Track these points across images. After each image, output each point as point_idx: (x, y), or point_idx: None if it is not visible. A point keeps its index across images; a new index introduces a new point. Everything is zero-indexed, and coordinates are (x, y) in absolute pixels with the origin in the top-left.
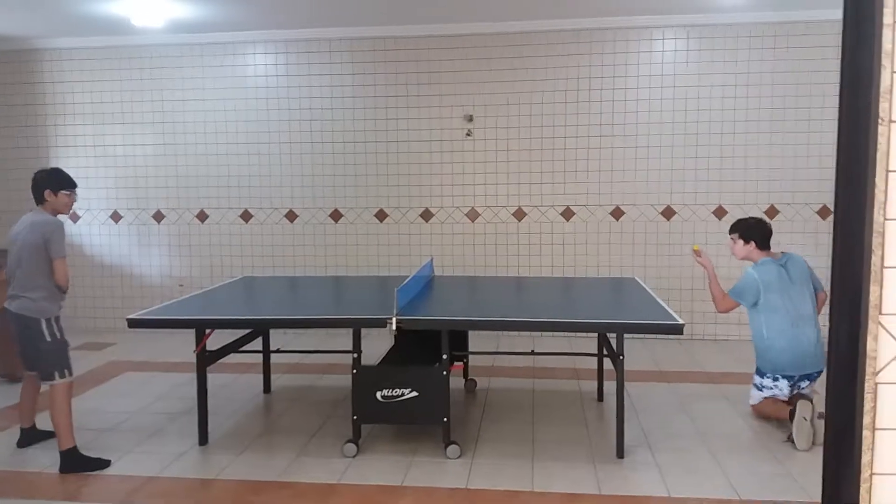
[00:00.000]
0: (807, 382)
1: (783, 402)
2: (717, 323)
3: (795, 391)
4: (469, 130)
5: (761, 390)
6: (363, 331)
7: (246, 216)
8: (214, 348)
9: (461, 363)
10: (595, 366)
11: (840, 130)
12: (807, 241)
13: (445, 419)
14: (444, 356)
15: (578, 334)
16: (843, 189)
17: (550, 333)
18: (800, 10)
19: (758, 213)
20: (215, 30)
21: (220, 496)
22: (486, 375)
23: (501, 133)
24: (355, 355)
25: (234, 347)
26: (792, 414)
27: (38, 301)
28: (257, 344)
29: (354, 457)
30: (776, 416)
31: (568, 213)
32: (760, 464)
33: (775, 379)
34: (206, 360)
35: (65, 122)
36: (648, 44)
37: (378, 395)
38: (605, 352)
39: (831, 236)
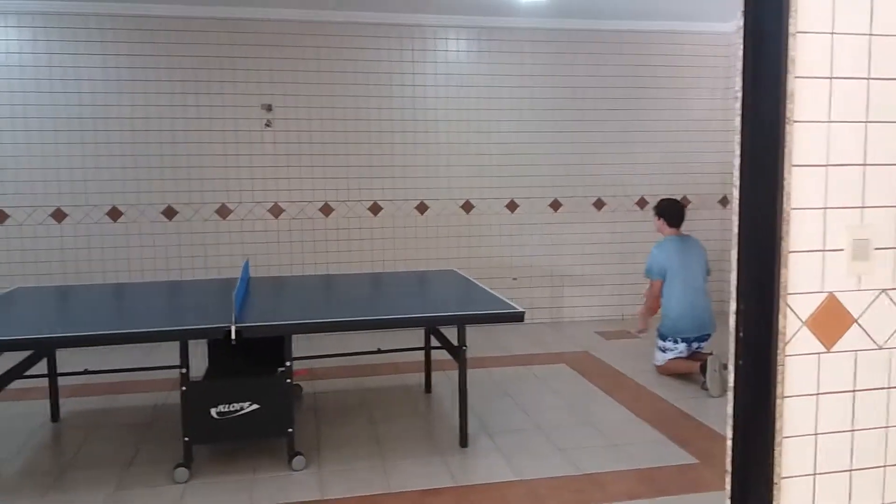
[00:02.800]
0: (699, 344)
1: (685, 359)
2: None
3: (693, 350)
4: (268, 121)
5: (665, 352)
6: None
7: (0, 216)
8: None
9: (306, 369)
10: (415, 358)
11: (745, 130)
12: (584, 230)
13: (290, 430)
14: (288, 363)
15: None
16: (751, 182)
17: (363, 331)
18: (584, 19)
19: (544, 206)
20: None
21: None
22: (307, 379)
23: (303, 125)
24: (183, 370)
25: (16, 373)
26: (703, 367)
27: None
28: (40, 366)
29: (187, 482)
30: (686, 371)
31: (375, 209)
32: (589, 439)
33: (675, 341)
34: None
35: None
36: (444, 42)
37: (213, 411)
38: (432, 344)
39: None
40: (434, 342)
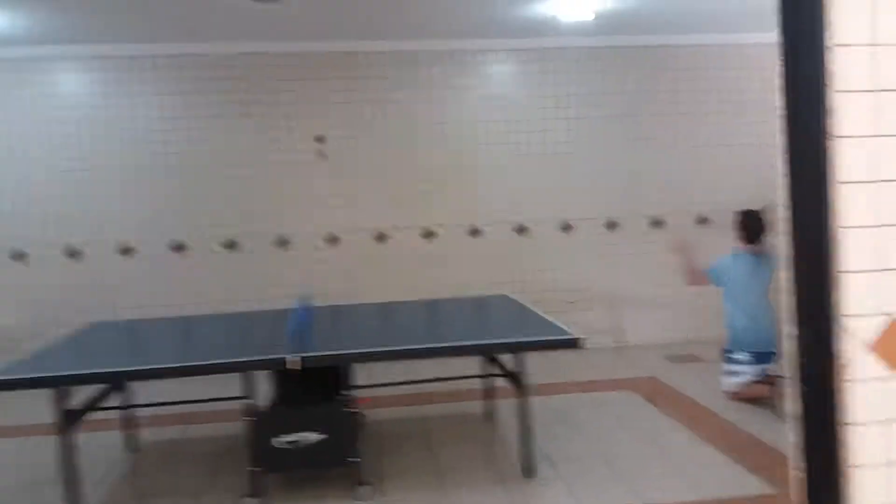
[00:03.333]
0: (767, 364)
1: (757, 383)
2: None
3: (763, 373)
4: (321, 151)
5: (734, 376)
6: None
7: (73, 253)
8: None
9: (368, 397)
10: (475, 385)
11: (789, 147)
12: (642, 251)
13: (355, 459)
14: (349, 392)
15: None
16: (800, 201)
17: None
18: (634, 35)
19: (599, 226)
20: (15, 43)
21: None
22: (367, 408)
23: (356, 154)
24: (250, 401)
25: (97, 402)
26: (775, 390)
27: None
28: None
29: None
30: (759, 395)
31: (428, 234)
32: (657, 468)
33: (740, 361)
34: (68, 421)
35: None
36: (492, 66)
37: (278, 441)
38: (491, 371)
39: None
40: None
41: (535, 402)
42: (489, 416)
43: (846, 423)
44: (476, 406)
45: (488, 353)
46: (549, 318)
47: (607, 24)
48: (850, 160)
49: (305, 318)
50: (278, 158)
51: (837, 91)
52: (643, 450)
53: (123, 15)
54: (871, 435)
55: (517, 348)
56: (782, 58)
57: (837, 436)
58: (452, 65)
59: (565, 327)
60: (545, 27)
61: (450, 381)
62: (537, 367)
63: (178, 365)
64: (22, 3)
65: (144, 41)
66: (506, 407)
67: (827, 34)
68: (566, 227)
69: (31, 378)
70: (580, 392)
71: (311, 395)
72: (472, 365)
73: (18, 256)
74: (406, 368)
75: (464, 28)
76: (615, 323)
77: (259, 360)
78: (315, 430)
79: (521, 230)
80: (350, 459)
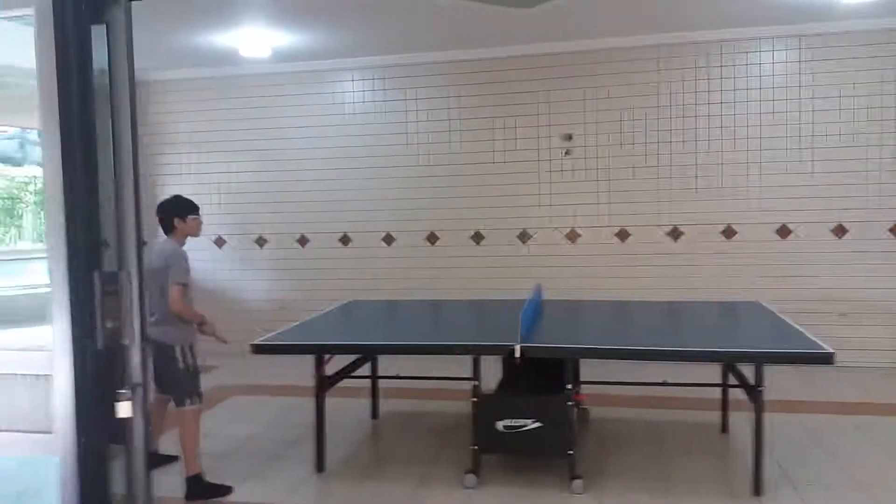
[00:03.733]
0: None
1: None
2: (838, 349)
3: None
4: (568, 150)
5: None
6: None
7: (345, 240)
8: (328, 373)
9: (586, 393)
10: (711, 395)
11: None
12: None
13: (570, 451)
14: (570, 385)
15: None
16: None
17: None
18: None
19: (881, 230)
20: (313, 58)
21: None
22: (595, 405)
23: (602, 151)
24: (476, 383)
25: (346, 372)
26: None
27: (172, 328)
28: (365, 368)
29: (475, 488)
30: None
31: (675, 233)
32: None
33: None
34: (324, 385)
35: (169, 151)
36: (757, 55)
37: (499, 424)
38: (730, 381)
39: None
40: (733, 380)
41: (786, 419)
42: (725, 428)
43: None
44: (712, 416)
45: (720, 361)
46: (802, 329)
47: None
48: None
49: (536, 311)
50: (523, 157)
51: None
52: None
53: (394, 27)
54: None
55: (754, 358)
56: None
57: None
58: (713, 56)
59: (817, 340)
60: (820, 11)
61: (685, 388)
62: (792, 383)
63: (414, 343)
64: (314, 22)
65: (414, 50)
66: (746, 421)
67: None
68: (839, 231)
69: (294, 344)
70: (841, 414)
71: (535, 385)
72: (711, 373)
73: (302, 241)
74: (644, 371)
75: (731, 16)
76: (891, 340)
77: (485, 345)
78: (534, 418)
79: (783, 232)
80: (566, 451)
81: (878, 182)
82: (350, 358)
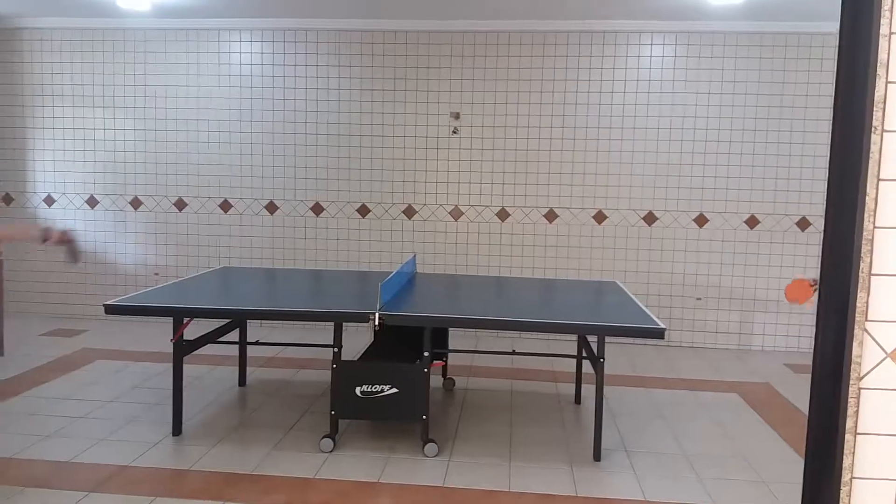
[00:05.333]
0: None
1: None
2: (694, 331)
3: None
4: (456, 128)
5: None
6: (343, 326)
7: (225, 206)
8: (191, 338)
9: (442, 361)
10: (573, 368)
11: (833, 139)
12: (785, 252)
13: (424, 417)
14: (426, 353)
15: (558, 336)
16: (835, 196)
17: (529, 335)
18: (785, 21)
19: (738, 222)
20: (201, 15)
21: (194, 487)
22: (464, 375)
23: (488, 132)
24: (336, 350)
25: (210, 338)
26: None
27: None
28: (233, 335)
29: (331, 452)
30: None
31: (551, 216)
32: (735, 472)
33: None
34: (182, 349)
35: (42, 104)
36: (637, 48)
37: (357, 390)
38: (584, 354)
39: (819, 246)
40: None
41: (635, 393)
42: (578, 400)
43: (856, 433)
44: (569, 388)
45: (564, 332)
46: (645, 308)
47: (755, 8)
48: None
49: (405, 281)
50: (413, 132)
51: (890, 82)
52: (728, 453)
53: None
54: (879, 446)
55: (595, 331)
56: (839, 45)
57: (841, 444)
58: (595, 46)
59: (654, 317)
60: (693, 10)
61: (547, 361)
62: (647, 361)
63: (277, 308)
64: None
65: (305, 16)
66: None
67: (884, 22)
68: (700, 220)
69: (149, 306)
70: (686, 389)
71: (397, 353)
72: (572, 347)
73: (179, 204)
74: (518, 345)
75: (611, 8)
76: (742, 325)
77: (344, 313)
78: (390, 384)
79: (650, 218)
80: (420, 416)
81: (737, 176)
82: (216, 324)
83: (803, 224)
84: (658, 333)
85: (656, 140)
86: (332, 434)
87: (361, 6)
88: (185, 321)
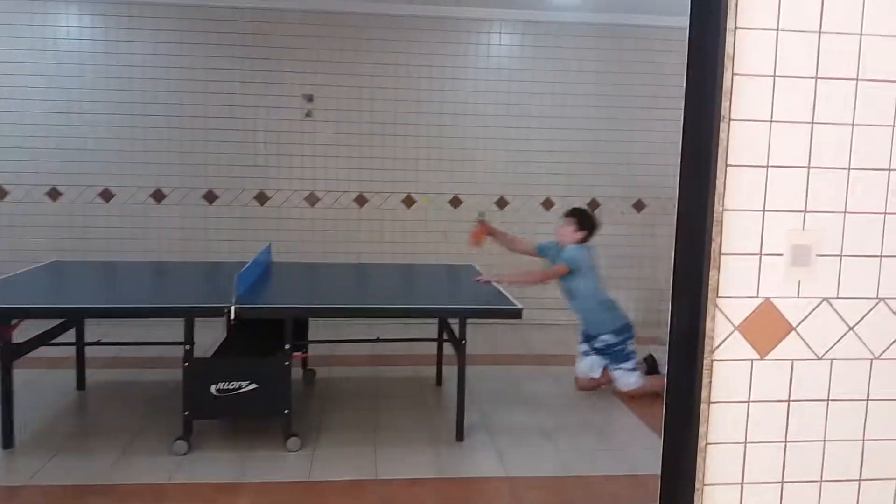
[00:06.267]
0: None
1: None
2: (543, 308)
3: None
4: (309, 111)
5: (634, 370)
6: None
7: (53, 194)
8: (20, 341)
9: (303, 353)
10: (433, 351)
11: (685, 127)
12: (630, 232)
13: (287, 411)
14: (287, 346)
15: (417, 320)
16: (687, 181)
17: (390, 320)
18: (628, 14)
19: (580, 203)
20: None
21: None
22: (325, 365)
23: (342, 115)
24: (187, 347)
25: (43, 340)
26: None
27: None
28: (69, 336)
29: (185, 454)
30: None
31: (409, 201)
32: (591, 442)
33: (627, 339)
34: (11, 353)
35: None
36: (486, 36)
37: (213, 388)
38: (444, 337)
39: (666, 227)
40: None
41: (494, 371)
42: (440, 382)
43: (710, 402)
44: (429, 371)
45: (428, 317)
46: (503, 289)
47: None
48: (743, 144)
49: (262, 272)
50: (265, 115)
51: (736, 74)
52: (581, 424)
53: None
54: (730, 414)
55: (458, 314)
56: (689, 37)
57: (697, 412)
58: (443, 32)
59: (513, 299)
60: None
61: (409, 345)
62: (505, 340)
63: (121, 306)
64: None
65: None
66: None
67: (731, 16)
68: (547, 204)
69: None
70: (539, 365)
71: (254, 347)
72: (431, 330)
73: (1, 193)
74: (376, 331)
75: None
76: None
77: (199, 308)
78: (248, 380)
79: (502, 203)
80: (282, 410)
81: (580, 161)
82: (49, 324)
83: (639, 206)
84: (516, 313)
85: (506, 127)
86: (186, 436)
87: None
88: (13, 323)
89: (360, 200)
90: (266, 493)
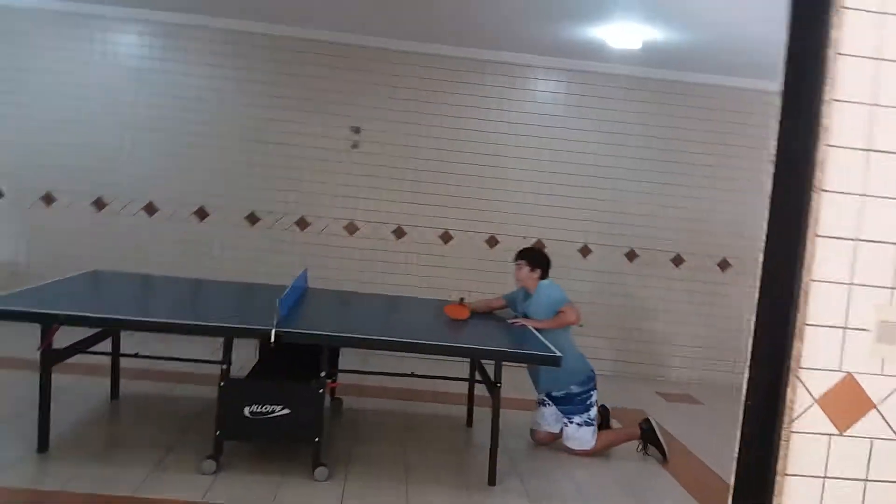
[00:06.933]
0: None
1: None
2: None
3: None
4: (355, 142)
5: (591, 424)
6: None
7: (99, 204)
8: (58, 347)
9: (335, 381)
10: (461, 389)
11: (773, 197)
12: (660, 285)
13: (317, 439)
14: (323, 373)
15: (447, 358)
16: (773, 249)
17: (420, 355)
18: (677, 71)
19: (619, 255)
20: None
21: None
22: (352, 395)
23: (388, 149)
24: (224, 366)
25: (80, 348)
26: (646, 430)
27: None
28: (105, 345)
29: (214, 474)
30: (627, 438)
31: (446, 237)
32: (620, 494)
33: (592, 389)
34: (51, 358)
35: None
36: (533, 82)
37: (246, 410)
38: (476, 377)
39: (747, 290)
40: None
41: (522, 416)
42: (470, 423)
43: (784, 474)
44: (460, 410)
45: (465, 357)
46: (538, 334)
47: (652, 57)
48: (833, 216)
49: (299, 296)
50: (311, 143)
51: (829, 145)
52: (611, 480)
53: None
54: (806, 489)
55: (494, 356)
56: (781, 105)
57: (771, 484)
58: (495, 76)
59: (549, 344)
60: (593, 51)
61: (438, 383)
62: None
63: (162, 320)
64: None
65: (198, 12)
66: (488, 416)
67: (828, 89)
68: (584, 251)
69: (13, 311)
70: None
71: (287, 372)
72: (461, 369)
73: (48, 199)
74: (404, 365)
75: (513, 41)
76: (617, 352)
77: (239, 328)
78: (282, 405)
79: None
80: (313, 438)
81: (620, 211)
82: (87, 332)
83: (678, 260)
84: (555, 361)
85: (549, 172)
86: (216, 455)
87: (264, 9)
88: (53, 328)
89: (399, 233)
90: None
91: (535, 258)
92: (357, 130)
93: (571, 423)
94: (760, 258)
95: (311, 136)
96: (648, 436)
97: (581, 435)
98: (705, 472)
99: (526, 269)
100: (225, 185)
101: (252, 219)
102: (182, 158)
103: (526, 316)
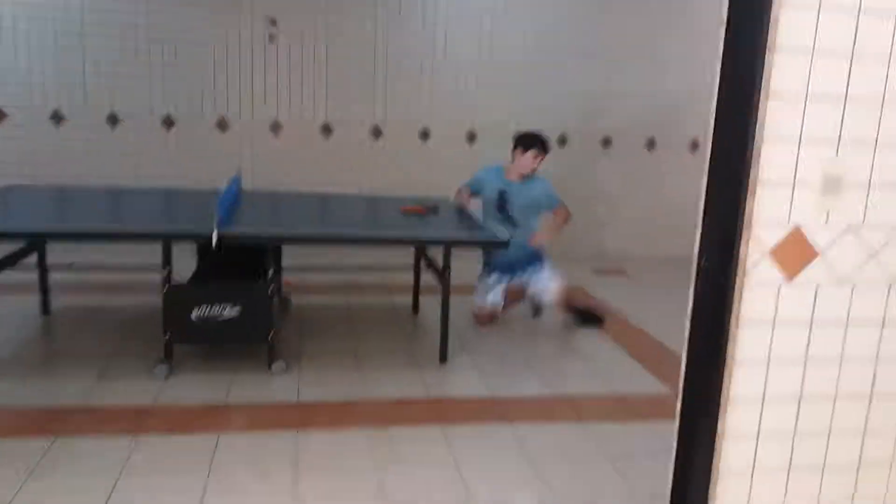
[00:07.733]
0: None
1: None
2: None
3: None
4: (272, 35)
5: (551, 278)
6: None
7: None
8: None
9: (288, 279)
10: (407, 282)
11: (725, 57)
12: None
13: (270, 336)
14: (271, 272)
15: (387, 249)
16: (727, 111)
17: (357, 250)
18: None
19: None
20: None
21: (13, 424)
22: (297, 293)
23: (308, 41)
24: (168, 270)
25: (4, 263)
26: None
27: None
28: (30, 261)
29: (167, 378)
30: (586, 304)
31: (376, 132)
32: (567, 362)
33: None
34: None
35: None
36: None
37: (194, 314)
38: (422, 265)
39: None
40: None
41: (466, 301)
42: (416, 310)
43: (738, 322)
44: (405, 299)
45: (415, 245)
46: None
47: None
48: (786, 74)
49: (234, 199)
50: (227, 38)
51: (784, 5)
52: (558, 350)
53: None
54: (757, 334)
55: (445, 243)
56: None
57: (726, 333)
58: None
59: (496, 231)
60: None
61: (380, 274)
62: (472, 268)
63: (95, 230)
64: None
65: None
66: (436, 304)
67: None
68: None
69: None
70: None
71: (231, 274)
72: (407, 259)
73: None
74: (345, 260)
75: None
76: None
77: (179, 233)
78: (231, 305)
79: (471, 137)
80: (266, 336)
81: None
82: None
83: (605, 143)
84: (503, 244)
85: (478, 55)
86: (167, 359)
87: None
88: None
89: (325, 130)
90: (259, 413)
91: (545, 144)
92: (274, 22)
93: (538, 282)
94: (712, 121)
95: (225, 31)
96: (583, 313)
97: (546, 285)
98: (647, 338)
99: (539, 157)
100: (134, 88)
101: (168, 122)
102: (87, 63)
103: (507, 202)
